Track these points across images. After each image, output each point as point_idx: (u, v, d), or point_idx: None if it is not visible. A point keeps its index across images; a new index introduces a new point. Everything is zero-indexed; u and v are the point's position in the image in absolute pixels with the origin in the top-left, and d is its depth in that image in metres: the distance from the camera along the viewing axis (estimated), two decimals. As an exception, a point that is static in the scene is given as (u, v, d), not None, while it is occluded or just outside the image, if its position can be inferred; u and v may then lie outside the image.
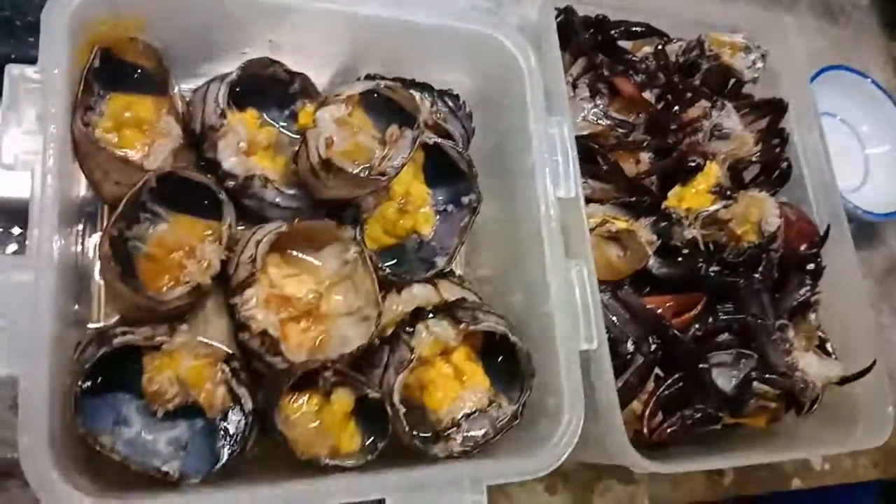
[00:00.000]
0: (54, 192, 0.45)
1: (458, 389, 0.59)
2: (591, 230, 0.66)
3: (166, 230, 0.55)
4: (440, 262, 0.63)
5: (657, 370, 0.66)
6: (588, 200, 0.68)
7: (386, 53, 0.66)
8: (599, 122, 0.69)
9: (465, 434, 0.57)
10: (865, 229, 1.02)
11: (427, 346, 0.58)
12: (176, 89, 0.59)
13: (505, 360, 0.60)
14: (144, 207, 0.54)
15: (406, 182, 0.64)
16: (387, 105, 0.61)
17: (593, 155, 0.69)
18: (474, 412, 0.58)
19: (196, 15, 0.57)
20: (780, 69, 0.83)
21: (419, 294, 0.61)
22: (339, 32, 0.63)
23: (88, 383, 0.49)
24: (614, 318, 0.65)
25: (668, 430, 0.64)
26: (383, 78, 0.63)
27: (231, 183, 0.58)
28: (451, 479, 0.51)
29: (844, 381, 0.72)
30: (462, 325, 0.58)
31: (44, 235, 0.44)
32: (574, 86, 0.70)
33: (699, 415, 0.65)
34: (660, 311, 0.68)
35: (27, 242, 0.44)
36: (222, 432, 0.53)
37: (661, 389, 0.65)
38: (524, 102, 0.62)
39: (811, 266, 0.74)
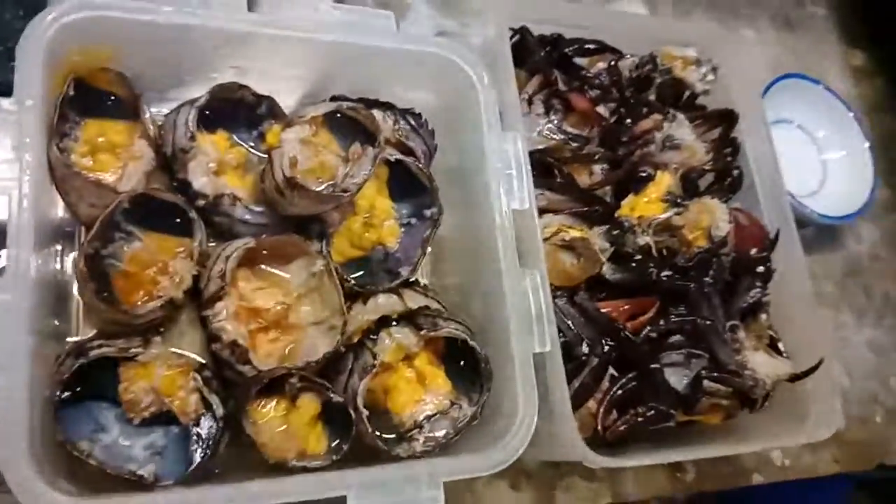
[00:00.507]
0: (30, 216, 0.48)
1: (420, 393, 0.63)
2: (546, 239, 0.69)
3: (140, 248, 0.58)
4: (404, 272, 0.66)
5: (612, 371, 0.70)
6: (544, 211, 0.72)
7: (351, 76, 0.69)
8: (554, 136, 0.73)
9: (427, 434, 0.61)
10: (824, 232, 1.06)
11: (390, 353, 0.61)
12: (147, 114, 0.62)
13: (465, 364, 0.64)
14: (119, 227, 0.57)
15: (370, 197, 0.67)
16: (350, 125, 0.65)
17: (549, 168, 0.73)
18: (436, 414, 0.62)
19: (163, 44, 0.60)
20: (733, 81, 0.87)
21: (384, 303, 0.64)
22: (303, 58, 0.66)
23: (67, 393, 0.52)
24: (569, 322, 0.69)
25: (622, 427, 0.67)
26: (347, 99, 0.67)
27: (201, 202, 0.61)
28: (409, 475, 0.55)
29: (794, 378, 0.75)
30: (423, 332, 0.62)
31: (21, 256, 0.47)
32: (530, 102, 0.73)
33: (652, 412, 0.68)
34: (615, 314, 0.72)
35: (5, 263, 0.47)
36: (195, 437, 0.56)
37: (615, 389, 0.68)
38: (479, 119, 0.66)
39: (761, 269, 0.78)
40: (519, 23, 0.78)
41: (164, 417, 0.56)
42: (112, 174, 0.59)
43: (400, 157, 0.67)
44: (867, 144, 1.05)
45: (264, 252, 0.62)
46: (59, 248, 0.60)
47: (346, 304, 0.62)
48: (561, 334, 0.68)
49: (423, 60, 0.68)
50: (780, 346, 0.78)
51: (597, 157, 0.74)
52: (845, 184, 1.05)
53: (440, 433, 0.61)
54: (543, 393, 0.61)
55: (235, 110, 0.66)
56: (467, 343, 0.62)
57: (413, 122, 0.70)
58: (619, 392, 0.68)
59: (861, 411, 0.97)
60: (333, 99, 0.68)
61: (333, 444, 0.58)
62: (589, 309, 0.69)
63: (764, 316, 0.78)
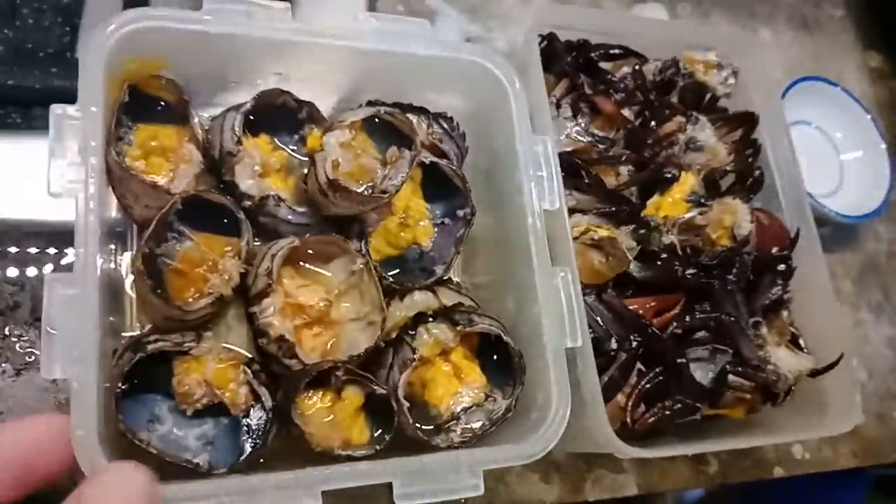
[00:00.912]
0: (96, 216, 0.51)
1: (456, 386, 0.65)
2: (576, 238, 0.72)
3: (191, 247, 0.61)
4: (439, 270, 0.68)
5: (639, 365, 0.72)
6: (573, 211, 0.75)
7: (386, 82, 0.72)
8: (581, 138, 0.75)
9: (464, 426, 0.63)
10: (842, 231, 1.08)
11: (428, 347, 0.64)
12: (196, 119, 0.65)
13: (499, 359, 0.67)
14: (171, 227, 0.60)
15: (406, 198, 0.70)
16: (387, 129, 0.67)
17: (577, 169, 0.75)
18: (472, 406, 0.64)
19: (211, 53, 0.63)
20: (753, 84, 0.90)
21: (420, 300, 0.67)
22: (342, 64, 0.69)
23: (126, 386, 0.55)
24: (598, 319, 0.71)
25: (650, 420, 0.69)
26: (383, 104, 0.70)
27: (248, 203, 0.64)
28: (452, 464, 0.57)
29: (815, 373, 0.77)
30: (459, 328, 0.65)
31: (88, 254, 0.50)
32: (558, 105, 0.76)
33: (678, 406, 0.71)
34: (641, 311, 0.74)
35: (74, 261, 0.50)
36: (245, 428, 0.59)
37: (643, 383, 0.70)
38: (511, 123, 0.68)
39: (782, 267, 0.80)
40: (546, 29, 0.81)
41: (216, 409, 0.59)
42: (164, 177, 0.62)
43: (434, 159, 0.70)
44: (884, 146, 1.07)
45: (308, 251, 0.65)
46: (113, 247, 0.63)
47: (385, 300, 0.64)
48: (591, 330, 0.71)
49: (456, 66, 0.70)
50: (801, 341, 0.80)
51: (623, 158, 0.76)
52: (863, 184, 1.07)
53: (476, 424, 0.63)
54: (575, 387, 0.64)
55: (278, 115, 0.68)
56: (501, 338, 0.65)
57: (446, 126, 0.73)
58: (647, 386, 0.70)
59: (880, 407, 0.99)
60: (370, 104, 0.70)
61: (376, 434, 0.61)
62: (617, 306, 0.72)
63: (785, 313, 0.80)
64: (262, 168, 0.65)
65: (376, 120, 0.67)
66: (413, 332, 0.65)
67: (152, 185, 0.59)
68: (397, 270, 0.69)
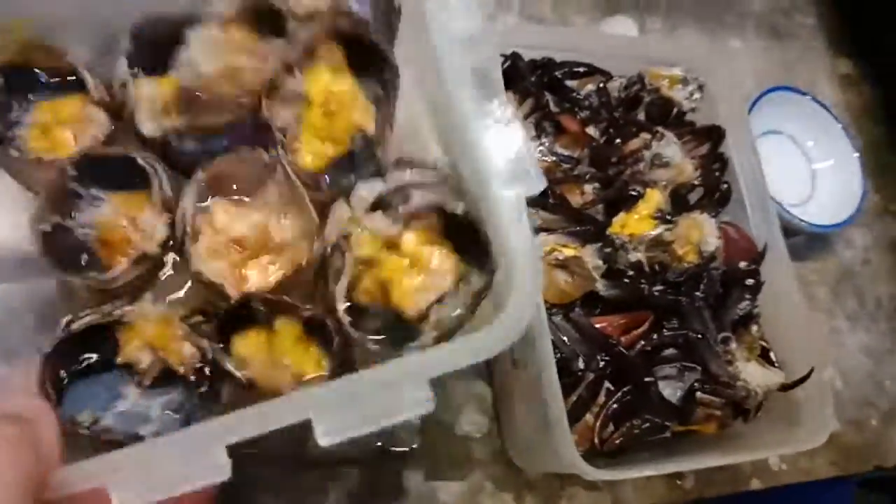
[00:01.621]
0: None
1: (418, 278, 0.54)
2: (540, 259, 0.72)
3: (108, 210, 0.55)
4: (379, 153, 0.56)
5: (608, 385, 0.72)
6: (539, 230, 0.75)
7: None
8: (545, 158, 0.75)
9: (436, 320, 0.52)
10: (816, 240, 1.08)
11: (365, 245, 0.54)
12: (90, 81, 0.58)
13: (465, 234, 0.53)
14: (77, 194, 0.54)
15: (324, 82, 0.57)
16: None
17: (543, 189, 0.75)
18: (443, 296, 0.53)
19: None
20: (720, 97, 0.89)
21: (366, 193, 0.55)
22: None
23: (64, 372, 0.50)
24: (565, 339, 0.71)
25: (618, 440, 0.69)
26: None
27: (155, 147, 0.56)
28: (383, 380, 0.44)
29: (785, 387, 0.77)
30: (394, 210, 0.54)
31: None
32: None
33: (647, 425, 0.70)
34: (610, 328, 0.74)
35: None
36: (195, 387, 0.53)
37: (611, 403, 0.70)
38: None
39: (750, 281, 0.80)
40: (512, 48, 0.81)
41: (169, 375, 0.53)
42: (69, 149, 0.55)
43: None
44: (856, 154, 1.07)
45: (230, 179, 0.57)
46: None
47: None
48: (557, 351, 0.71)
49: None
50: (772, 355, 0.80)
51: (587, 177, 0.76)
52: (835, 192, 1.07)
53: (454, 314, 0.52)
54: (542, 408, 0.64)
55: (172, 45, 0.57)
56: (455, 212, 0.52)
57: None
58: (615, 406, 0.70)
59: (856, 415, 0.99)
60: None
61: (332, 364, 0.53)
62: (584, 325, 0.72)
63: (755, 327, 0.80)
64: (161, 105, 0.57)
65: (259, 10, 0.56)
66: (346, 235, 0.54)
67: (44, 161, 0.54)
68: (348, 172, 0.56)
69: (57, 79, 0.58)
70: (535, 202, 0.74)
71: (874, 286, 1.10)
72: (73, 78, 0.58)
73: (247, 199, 0.57)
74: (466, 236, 0.53)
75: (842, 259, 1.10)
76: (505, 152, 0.48)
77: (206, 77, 0.55)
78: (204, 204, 0.56)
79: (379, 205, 0.54)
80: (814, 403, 0.78)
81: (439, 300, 0.52)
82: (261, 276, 0.56)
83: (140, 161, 0.55)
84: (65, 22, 0.57)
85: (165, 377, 0.53)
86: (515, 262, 0.46)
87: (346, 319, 0.51)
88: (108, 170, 0.55)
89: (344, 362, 0.52)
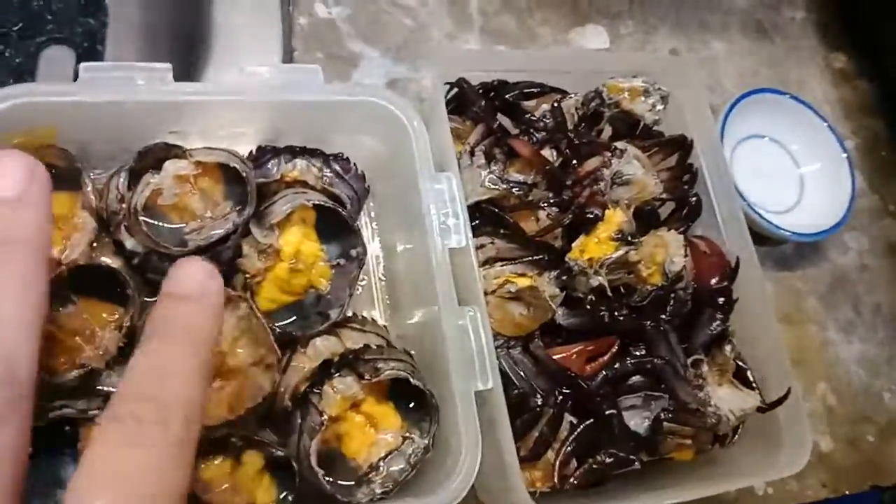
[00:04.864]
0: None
1: (372, 436, 0.64)
2: (493, 292, 0.69)
3: (73, 312, 0.59)
4: (333, 314, 0.66)
5: (571, 419, 0.69)
6: (496, 260, 0.72)
7: (291, 126, 0.71)
8: (496, 186, 0.72)
9: (384, 475, 0.62)
10: (806, 247, 1.03)
11: (335, 406, 0.62)
12: (89, 186, 0.63)
13: (412, 399, 0.65)
14: (57, 294, 0.58)
15: (296, 242, 0.67)
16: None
17: (496, 217, 0.73)
18: (390, 452, 0.63)
19: (97, 120, 0.62)
20: (687, 105, 0.86)
21: (323, 347, 0.65)
22: (235, 117, 0.68)
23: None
24: (522, 373, 0.68)
25: (578, 480, 0.66)
26: (272, 148, 0.69)
27: (136, 260, 0.63)
28: None
29: (763, 409, 0.74)
30: (365, 379, 0.62)
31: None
32: (472, 153, 0.73)
33: (611, 459, 0.67)
34: (574, 356, 0.71)
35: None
36: None
37: (571, 438, 0.67)
38: (413, 161, 0.67)
39: (722, 300, 0.76)
40: (462, 72, 0.78)
41: None
42: (56, 247, 0.59)
43: (322, 201, 0.67)
44: (844, 154, 1.03)
45: None
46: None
47: (287, 353, 0.64)
48: (515, 387, 0.68)
49: (362, 109, 0.69)
50: (750, 374, 0.76)
51: (542, 202, 0.73)
52: (825, 196, 1.03)
53: (396, 468, 0.62)
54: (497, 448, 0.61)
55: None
56: (409, 381, 0.63)
57: (339, 168, 0.71)
58: (575, 442, 0.67)
59: (851, 432, 0.94)
60: (275, 150, 0.69)
61: (282, 496, 0.59)
62: (541, 357, 0.69)
63: (728, 347, 0.76)
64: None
65: (232, 167, 0.64)
66: (319, 391, 0.62)
67: None
68: (294, 318, 0.67)
69: (55, 176, 0.60)
70: (490, 231, 0.72)
71: (871, 292, 1.04)
72: (70, 179, 0.63)
73: None
74: (414, 404, 0.64)
75: (835, 265, 1.05)
76: (468, 350, 0.63)
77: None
78: None
79: (345, 364, 0.63)
80: (793, 427, 0.74)
81: (387, 455, 0.63)
82: (215, 398, 0.60)
83: (128, 283, 0.59)
84: (87, 138, 0.65)
85: None
86: (462, 449, 0.59)
87: (319, 472, 0.59)
88: (96, 277, 0.59)
89: (299, 498, 0.59)
